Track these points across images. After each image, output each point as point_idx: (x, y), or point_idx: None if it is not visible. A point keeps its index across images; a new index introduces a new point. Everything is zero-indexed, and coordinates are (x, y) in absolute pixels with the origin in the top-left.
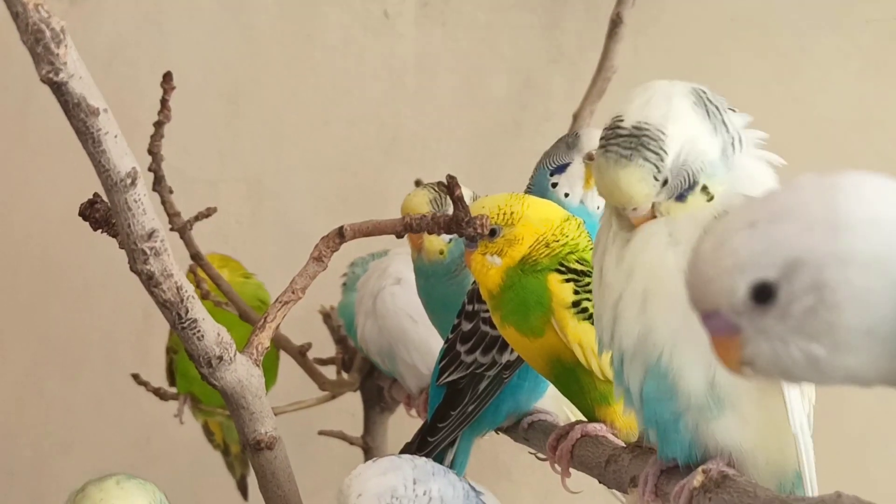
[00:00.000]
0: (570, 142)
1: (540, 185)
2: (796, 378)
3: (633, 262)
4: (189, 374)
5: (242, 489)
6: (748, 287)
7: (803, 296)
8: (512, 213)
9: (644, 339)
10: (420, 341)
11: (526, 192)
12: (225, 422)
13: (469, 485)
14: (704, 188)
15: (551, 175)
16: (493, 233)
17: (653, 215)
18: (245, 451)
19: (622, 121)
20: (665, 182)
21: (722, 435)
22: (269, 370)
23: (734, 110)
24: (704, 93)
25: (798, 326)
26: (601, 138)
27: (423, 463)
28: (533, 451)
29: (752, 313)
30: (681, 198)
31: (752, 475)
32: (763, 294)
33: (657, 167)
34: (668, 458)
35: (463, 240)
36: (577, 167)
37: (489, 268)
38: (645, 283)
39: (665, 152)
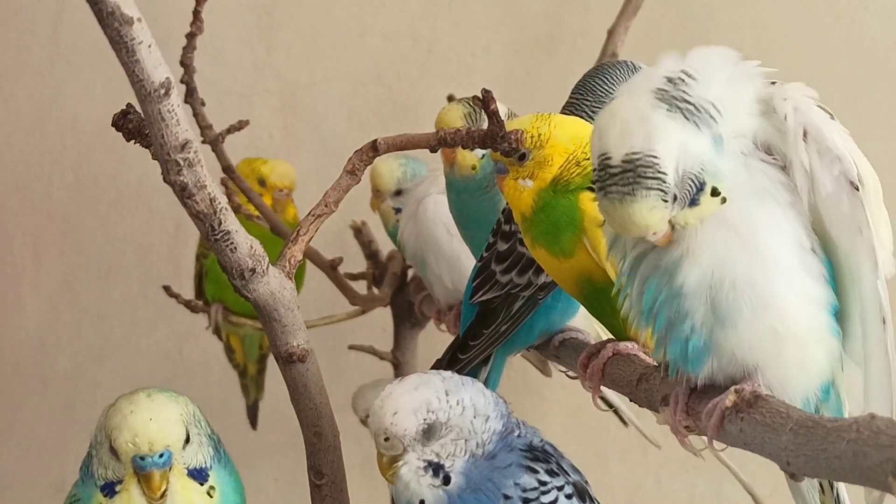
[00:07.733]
0: None
1: None
2: None
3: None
4: (220, 280)
5: (252, 416)
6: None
7: None
8: (539, 134)
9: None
10: (451, 254)
11: None
12: (247, 339)
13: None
14: (714, 190)
15: None
16: (522, 157)
17: (672, 229)
18: (278, 364)
19: (609, 157)
20: (675, 198)
21: (738, 346)
22: (296, 279)
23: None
24: (672, 84)
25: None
26: (595, 181)
27: (451, 375)
28: (563, 369)
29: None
30: (693, 203)
31: (776, 390)
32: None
33: (662, 190)
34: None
35: (494, 165)
36: None
37: (521, 191)
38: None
39: (664, 173)
